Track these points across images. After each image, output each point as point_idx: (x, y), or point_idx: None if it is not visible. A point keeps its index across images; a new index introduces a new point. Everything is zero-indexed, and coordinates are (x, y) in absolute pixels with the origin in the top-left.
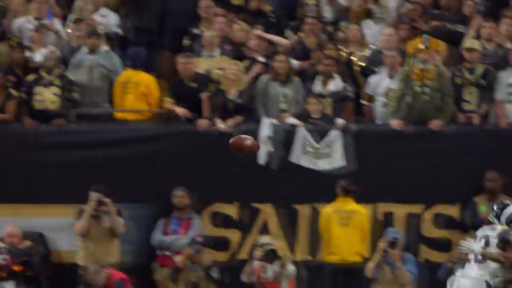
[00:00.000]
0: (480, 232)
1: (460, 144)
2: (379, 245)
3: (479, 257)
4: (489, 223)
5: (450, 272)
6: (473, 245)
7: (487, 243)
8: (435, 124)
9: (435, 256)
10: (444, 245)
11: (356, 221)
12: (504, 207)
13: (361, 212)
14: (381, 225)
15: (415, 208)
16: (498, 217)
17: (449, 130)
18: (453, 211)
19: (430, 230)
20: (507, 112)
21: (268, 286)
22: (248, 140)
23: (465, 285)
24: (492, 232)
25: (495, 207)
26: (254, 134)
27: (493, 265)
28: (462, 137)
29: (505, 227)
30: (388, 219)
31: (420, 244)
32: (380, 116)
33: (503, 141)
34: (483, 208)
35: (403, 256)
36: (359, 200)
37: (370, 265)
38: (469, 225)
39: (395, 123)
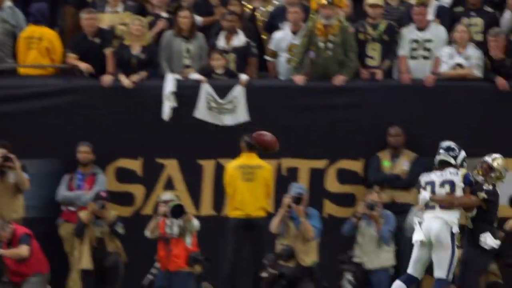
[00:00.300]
0: (424, 178)
1: (363, 99)
2: (283, 200)
3: (430, 203)
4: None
5: (354, 227)
6: (422, 193)
7: (452, 188)
8: (339, 79)
9: (339, 211)
10: (347, 200)
11: (260, 177)
12: (453, 150)
13: (265, 167)
14: (285, 180)
15: (319, 164)
16: (455, 157)
17: (352, 86)
18: (356, 166)
19: (334, 185)
20: (410, 68)
21: (172, 242)
22: (268, 136)
23: (433, 226)
24: (454, 176)
25: (452, 148)
26: (159, 89)
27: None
28: (365, 92)
29: (464, 171)
30: (292, 175)
31: (324, 199)
32: (283, 71)
33: (406, 96)
34: (386, 163)
35: (307, 211)
36: (262, 155)
37: (275, 221)
38: (373, 180)
39: (298, 79)
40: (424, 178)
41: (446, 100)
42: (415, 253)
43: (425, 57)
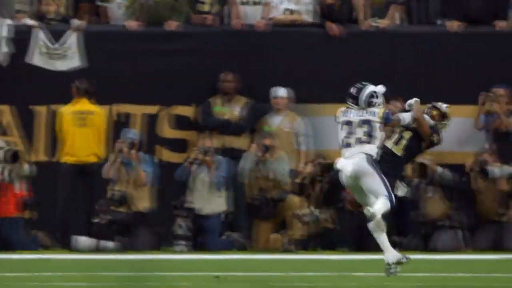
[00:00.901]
0: (341, 119)
1: (195, 45)
2: (116, 146)
3: (346, 141)
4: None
5: (187, 172)
6: (339, 132)
7: (370, 127)
8: (170, 25)
9: (172, 157)
10: (180, 146)
11: (92, 122)
12: (361, 88)
13: (98, 112)
14: (117, 125)
15: (151, 109)
16: (356, 99)
17: (184, 31)
18: (189, 111)
19: (166, 131)
20: (241, 13)
21: (2, 187)
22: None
23: (349, 163)
24: (372, 116)
25: (353, 90)
26: None
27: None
28: (197, 38)
29: (382, 110)
30: (124, 120)
31: (156, 145)
32: (115, 17)
33: (238, 42)
34: (218, 108)
35: (139, 157)
36: (95, 100)
37: (107, 166)
38: (204, 125)
39: (131, 24)
40: (342, 116)
41: (278, 46)
42: (353, 192)
43: (255, 3)
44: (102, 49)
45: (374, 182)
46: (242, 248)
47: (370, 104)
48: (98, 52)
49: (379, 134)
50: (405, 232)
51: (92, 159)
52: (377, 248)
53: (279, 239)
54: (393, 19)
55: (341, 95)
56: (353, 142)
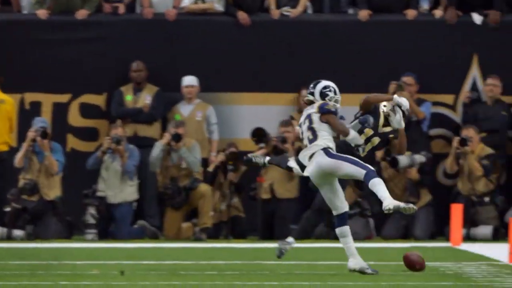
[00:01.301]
0: (304, 114)
1: (106, 33)
2: (27, 135)
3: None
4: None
5: (99, 161)
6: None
7: (310, 121)
8: (81, 13)
9: (83, 146)
10: (91, 135)
11: (3, 111)
12: (316, 84)
13: (8, 101)
14: (28, 114)
15: (62, 98)
16: (313, 94)
17: (95, 20)
18: (99, 100)
19: (77, 120)
20: (152, 2)
21: None
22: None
23: (312, 164)
24: (312, 109)
25: (310, 87)
26: None
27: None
28: (108, 26)
29: (320, 102)
30: (35, 109)
31: (67, 134)
32: (26, 5)
33: (149, 31)
34: (129, 97)
35: (50, 145)
36: (5, 89)
37: (18, 155)
38: (115, 114)
39: (41, 13)
40: (299, 122)
41: (188, 35)
42: (322, 194)
43: None
44: (12, 37)
45: (346, 168)
46: (153, 237)
47: (325, 96)
48: (9, 40)
49: (321, 126)
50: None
51: (3, 148)
52: (285, 237)
53: (190, 227)
54: (304, 8)
55: (250, 84)
56: (306, 142)
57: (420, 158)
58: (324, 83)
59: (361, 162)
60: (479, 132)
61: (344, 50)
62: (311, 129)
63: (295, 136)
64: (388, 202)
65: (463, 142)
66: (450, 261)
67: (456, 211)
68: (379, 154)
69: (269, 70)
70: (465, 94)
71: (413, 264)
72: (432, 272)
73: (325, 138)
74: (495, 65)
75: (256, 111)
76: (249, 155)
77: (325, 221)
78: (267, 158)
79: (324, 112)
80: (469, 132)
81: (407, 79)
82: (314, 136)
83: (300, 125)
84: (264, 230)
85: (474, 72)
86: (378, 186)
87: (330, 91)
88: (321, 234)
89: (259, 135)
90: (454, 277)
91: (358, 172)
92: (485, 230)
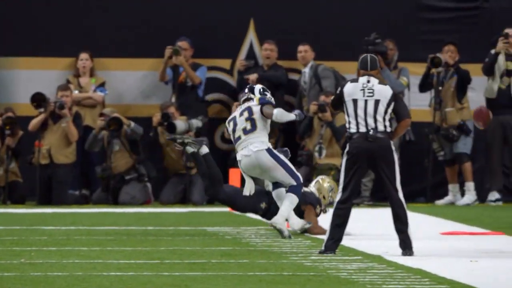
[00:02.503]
0: (239, 108)
1: None
2: None
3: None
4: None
5: None
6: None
7: (250, 113)
8: None
9: None
10: None
11: None
12: (251, 87)
13: None
14: None
15: None
16: (253, 92)
17: None
18: None
19: None
20: None
21: None
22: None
23: (249, 160)
24: (251, 102)
25: (246, 90)
26: None
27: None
28: None
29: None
30: None
31: None
32: None
33: None
34: None
35: None
36: None
37: None
38: None
39: None
40: (229, 118)
41: None
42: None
43: None
44: None
45: (279, 173)
46: None
47: (264, 94)
48: None
49: (260, 118)
50: (93, 186)
51: None
52: (63, 202)
53: None
54: None
55: (27, 48)
56: (240, 133)
57: (196, 123)
58: (259, 85)
59: (295, 171)
60: None
61: (117, 15)
62: (251, 120)
63: (73, 101)
64: (280, 221)
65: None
66: (229, 225)
67: (234, 175)
68: (155, 119)
69: (46, 35)
70: (241, 62)
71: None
72: (211, 236)
73: (263, 131)
74: (271, 30)
75: (33, 76)
76: (183, 138)
77: (102, 186)
78: (204, 148)
79: (265, 102)
80: None
81: (182, 43)
82: (253, 127)
83: (232, 120)
84: (42, 195)
85: (251, 36)
86: (290, 203)
87: (267, 91)
88: (98, 200)
89: (38, 100)
90: (233, 241)
91: (287, 180)
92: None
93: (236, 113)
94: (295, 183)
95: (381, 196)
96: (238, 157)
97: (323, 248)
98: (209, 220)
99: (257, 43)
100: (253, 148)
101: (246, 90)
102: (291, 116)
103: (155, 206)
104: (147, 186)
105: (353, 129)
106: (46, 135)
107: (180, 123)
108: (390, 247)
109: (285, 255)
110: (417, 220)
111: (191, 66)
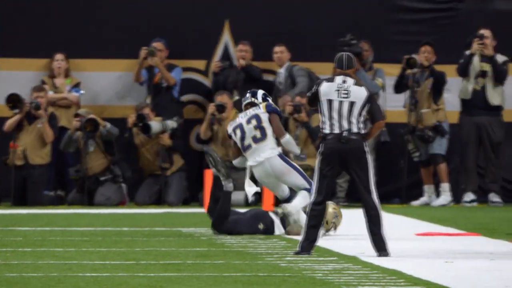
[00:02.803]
0: (231, 126)
1: None
2: None
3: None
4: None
5: None
6: (234, 138)
7: (259, 121)
8: None
9: None
10: None
11: None
12: (253, 91)
13: None
14: None
15: None
16: (255, 97)
17: None
18: None
19: None
20: None
21: None
22: None
23: (263, 167)
24: (258, 110)
25: (248, 95)
26: None
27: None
28: None
29: (265, 103)
30: None
31: None
32: None
33: None
34: None
35: None
36: None
37: None
38: None
39: None
40: (231, 125)
41: None
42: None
43: None
44: None
45: (293, 177)
46: None
47: (266, 100)
48: None
49: (269, 126)
50: (69, 187)
51: None
52: (38, 203)
53: None
54: None
55: (3, 49)
56: (249, 141)
57: (172, 123)
58: (261, 90)
59: (305, 174)
60: (232, 98)
61: (93, 16)
62: (260, 128)
63: (48, 101)
64: (290, 208)
65: (220, 108)
66: (205, 227)
67: (210, 176)
68: (130, 120)
69: (21, 36)
70: (216, 64)
71: None
72: (187, 237)
73: (272, 137)
74: (246, 31)
75: (8, 77)
76: (219, 165)
77: (77, 187)
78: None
79: (272, 111)
80: (223, 99)
81: (158, 44)
82: (263, 135)
83: (239, 127)
84: (17, 196)
85: (226, 38)
86: (302, 198)
87: (268, 97)
88: (74, 200)
89: (14, 100)
90: (208, 242)
91: (301, 182)
92: (240, 195)
93: (241, 120)
94: (308, 186)
95: (356, 197)
96: (250, 162)
97: (298, 248)
98: (184, 221)
99: (232, 44)
100: (266, 155)
101: (248, 95)
102: (296, 150)
103: (130, 207)
104: (122, 187)
105: (327, 130)
106: (21, 136)
107: (155, 124)
108: (366, 248)
109: (260, 256)
110: (392, 221)
111: (166, 67)
